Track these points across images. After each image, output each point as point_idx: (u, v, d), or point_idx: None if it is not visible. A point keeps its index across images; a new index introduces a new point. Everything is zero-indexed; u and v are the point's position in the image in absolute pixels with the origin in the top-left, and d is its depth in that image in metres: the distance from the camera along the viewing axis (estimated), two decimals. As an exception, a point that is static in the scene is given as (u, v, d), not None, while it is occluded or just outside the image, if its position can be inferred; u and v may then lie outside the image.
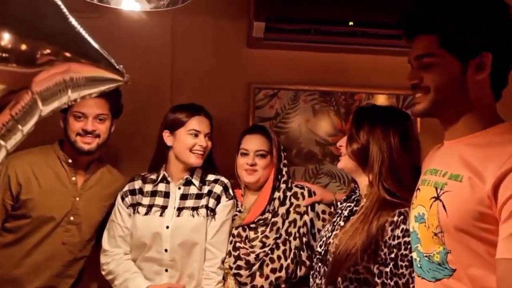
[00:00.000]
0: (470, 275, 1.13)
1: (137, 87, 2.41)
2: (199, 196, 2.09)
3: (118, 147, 2.47)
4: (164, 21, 2.53)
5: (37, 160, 2.10)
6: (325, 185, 2.65)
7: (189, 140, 2.07)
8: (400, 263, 1.48)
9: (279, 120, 2.66)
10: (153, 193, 2.11)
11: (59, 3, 1.05)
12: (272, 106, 2.66)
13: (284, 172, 2.08)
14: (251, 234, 2.03)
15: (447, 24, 1.19)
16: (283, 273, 1.94)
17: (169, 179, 2.12)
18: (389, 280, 1.50)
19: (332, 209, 2.02)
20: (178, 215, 2.05)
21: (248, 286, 1.96)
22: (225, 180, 2.14)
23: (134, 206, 2.10)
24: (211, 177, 2.15)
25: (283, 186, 2.06)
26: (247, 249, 2.00)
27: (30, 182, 2.05)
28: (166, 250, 2.02)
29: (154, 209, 2.07)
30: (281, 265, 1.94)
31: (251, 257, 1.97)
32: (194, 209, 2.06)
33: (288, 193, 2.06)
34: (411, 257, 1.41)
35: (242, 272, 1.97)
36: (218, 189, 2.11)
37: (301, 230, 1.99)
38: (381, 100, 2.70)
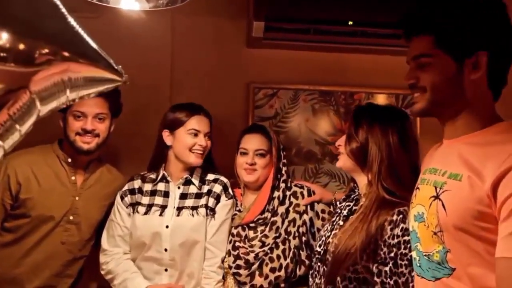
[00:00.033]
0: (470, 274, 1.13)
1: (137, 87, 2.42)
2: (198, 196, 2.09)
3: (118, 147, 2.47)
4: (163, 20, 2.54)
5: (36, 160, 2.10)
6: (325, 185, 2.65)
7: (188, 140, 2.07)
8: (399, 262, 1.48)
9: (278, 120, 2.67)
10: (153, 193, 2.11)
11: (58, 3, 1.05)
12: (271, 106, 2.67)
13: (283, 172, 2.08)
14: (251, 234, 2.03)
15: (443, 24, 1.20)
16: (282, 273, 1.94)
17: (168, 178, 2.12)
18: (388, 279, 1.50)
19: (332, 209, 2.02)
20: (178, 215, 2.05)
21: (247, 286, 1.96)
22: (225, 180, 2.14)
23: (134, 205, 2.09)
24: (210, 176, 2.15)
25: (282, 185, 2.06)
26: (247, 248, 2.00)
27: (30, 182, 2.05)
28: (165, 250, 2.02)
29: (153, 208, 2.07)
30: (281, 265, 1.94)
31: (251, 257, 1.97)
32: (194, 208, 2.06)
33: (288, 193, 2.06)
34: (411, 256, 1.41)
35: (242, 271, 1.97)
36: (217, 188, 2.10)
37: (301, 229, 1.99)
38: (381, 99, 2.70)
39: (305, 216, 2.01)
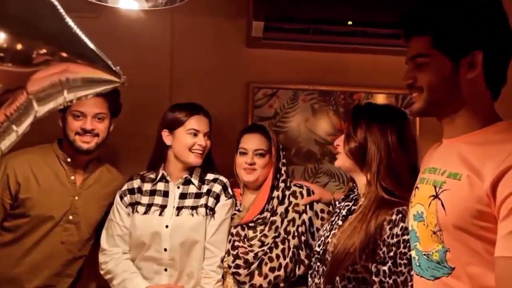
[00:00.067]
0: (469, 273, 1.13)
1: (137, 87, 2.42)
2: (198, 195, 2.09)
3: (117, 147, 2.47)
4: (163, 20, 2.54)
5: (36, 159, 2.10)
6: (324, 184, 2.65)
7: (188, 140, 2.07)
8: (398, 261, 1.48)
9: (278, 120, 2.67)
10: (152, 192, 2.11)
11: (56, 3, 1.04)
12: (271, 106, 2.67)
13: (283, 171, 2.08)
14: (250, 233, 2.03)
15: (438, 24, 1.21)
16: (282, 272, 1.94)
17: (168, 178, 2.12)
18: (387, 278, 1.49)
19: (331, 208, 2.02)
20: (178, 214, 2.05)
21: (247, 285, 1.96)
22: (224, 179, 2.14)
23: (133, 205, 2.09)
24: (210, 176, 2.15)
25: (282, 185, 2.06)
26: (246, 248, 1.99)
27: (29, 181, 2.05)
28: (165, 250, 2.02)
29: (153, 208, 2.07)
30: (280, 264, 1.94)
31: (250, 256, 1.97)
32: (194, 208, 2.06)
33: (287, 192, 2.06)
34: (410, 255, 1.41)
35: (241, 271, 1.97)
36: (217, 188, 2.10)
37: (300, 229, 1.99)
38: (380, 99, 2.71)
39: (304, 216, 2.01)
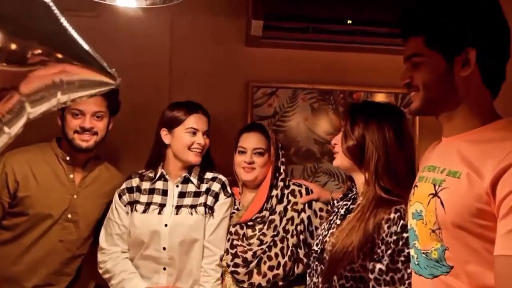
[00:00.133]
0: (468, 271, 1.13)
1: (136, 85, 2.43)
2: (197, 194, 2.09)
3: (117, 145, 2.47)
4: (162, 19, 2.53)
5: (34, 158, 2.10)
6: (324, 184, 2.65)
7: (187, 138, 2.06)
8: (396, 258, 1.47)
9: (277, 119, 2.66)
10: (151, 191, 2.11)
11: (51, 3, 1.04)
12: (270, 105, 2.66)
13: (282, 170, 2.08)
14: (249, 232, 2.03)
15: (430, 24, 1.22)
16: (280, 271, 1.94)
17: (167, 177, 2.12)
18: (384, 275, 1.49)
19: (329, 208, 2.02)
20: (177, 213, 2.04)
21: (245, 284, 1.96)
22: (223, 178, 2.14)
23: (132, 204, 2.09)
24: (209, 175, 2.15)
25: (280, 184, 2.06)
26: (245, 247, 1.99)
27: (28, 180, 2.05)
28: (164, 248, 2.02)
29: (152, 207, 2.07)
30: (279, 263, 1.94)
31: (249, 255, 1.96)
32: (193, 207, 2.06)
33: (286, 191, 2.06)
34: (408, 253, 1.41)
35: (240, 269, 1.96)
36: (216, 187, 2.10)
37: (299, 228, 1.99)
38: (380, 98, 2.70)
39: (303, 215, 2.01)
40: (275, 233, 1.98)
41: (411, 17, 1.28)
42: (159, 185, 2.11)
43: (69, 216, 2.09)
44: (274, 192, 2.04)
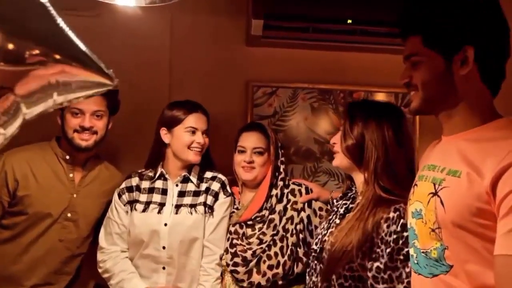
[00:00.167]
0: (467, 271, 1.12)
1: (136, 85, 2.43)
2: (196, 193, 2.09)
3: (116, 145, 2.47)
4: (162, 19, 2.53)
5: (34, 157, 2.10)
6: (324, 183, 2.65)
7: (186, 138, 2.06)
8: (395, 256, 1.47)
9: (277, 118, 2.66)
10: (151, 190, 2.11)
11: (47, 4, 1.03)
12: (270, 104, 2.66)
13: (281, 170, 2.08)
14: (248, 231, 2.03)
15: (428, 23, 1.22)
16: (280, 270, 1.93)
17: (166, 176, 2.12)
18: (382, 273, 1.48)
19: (329, 207, 2.01)
20: (176, 213, 2.04)
21: (245, 283, 1.95)
22: (223, 177, 2.14)
23: (132, 203, 2.09)
24: (208, 174, 2.14)
25: (280, 183, 2.06)
26: (244, 246, 1.99)
27: (27, 179, 2.05)
28: (163, 248, 2.02)
29: (151, 206, 2.06)
30: (278, 262, 1.94)
31: (248, 254, 1.96)
32: (192, 206, 2.06)
33: (286, 190, 2.06)
34: (407, 251, 1.41)
35: (239, 269, 1.96)
36: (215, 186, 2.10)
37: (298, 227, 1.98)
38: (380, 98, 2.70)
39: (302, 214, 2.00)
40: (275, 232, 1.98)
41: (409, 16, 1.28)
42: (158, 184, 2.11)
43: (69, 215, 2.09)
44: (274, 192, 2.04)
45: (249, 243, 1.99)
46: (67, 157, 2.13)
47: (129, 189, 2.11)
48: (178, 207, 2.06)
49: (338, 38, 2.45)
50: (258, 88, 2.65)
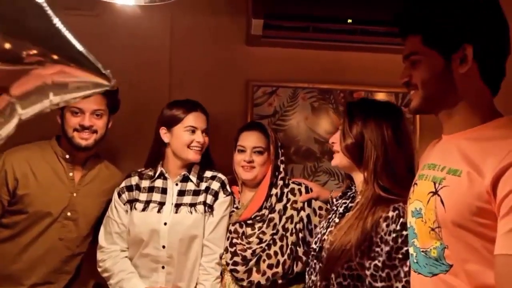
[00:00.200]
0: (467, 270, 1.12)
1: (136, 85, 2.43)
2: (196, 193, 2.09)
3: (116, 144, 2.47)
4: (162, 19, 2.53)
5: (34, 156, 2.10)
6: (324, 183, 2.65)
7: (186, 137, 2.06)
8: (394, 255, 1.46)
9: (277, 118, 2.66)
10: (150, 189, 2.10)
11: (44, 4, 1.03)
12: (270, 104, 2.66)
13: (281, 169, 2.08)
14: (248, 230, 2.03)
15: (426, 22, 1.23)
16: (279, 269, 1.93)
17: (166, 175, 2.12)
18: (380, 272, 1.48)
19: (329, 206, 2.01)
20: (176, 212, 2.04)
21: (245, 282, 1.95)
22: (223, 177, 2.14)
23: (131, 202, 2.09)
24: (208, 173, 2.14)
25: (280, 182, 2.06)
26: (244, 245, 1.99)
27: (27, 178, 2.05)
28: (163, 247, 2.01)
29: (151, 205, 2.06)
30: (278, 261, 1.94)
31: (248, 253, 1.96)
32: (192, 205, 2.06)
33: (285, 190, 2.06)
34: (406, 250, 1.41)
35: (239, 268, 1.96)
36: (215, 185, 2.10)
37: (298, 226, 1.98)
38: (380, 97, 2.70)
39: (302, 213, 2.00)
40: (275, 231, 1.98)
41: (408, 16, 1.28)
42: (158, 183, 2.11)
43: (69, 214, 2.09)
44: (274, 191, 2.04)
45: (248, 242, 1.99)
46: (67, 156, 2.13)
47: (129, 188, 2.11)
48: (178, 206, 2.05)
49: (338, 37, 2.44)
50: (258, 88, 2.65)
